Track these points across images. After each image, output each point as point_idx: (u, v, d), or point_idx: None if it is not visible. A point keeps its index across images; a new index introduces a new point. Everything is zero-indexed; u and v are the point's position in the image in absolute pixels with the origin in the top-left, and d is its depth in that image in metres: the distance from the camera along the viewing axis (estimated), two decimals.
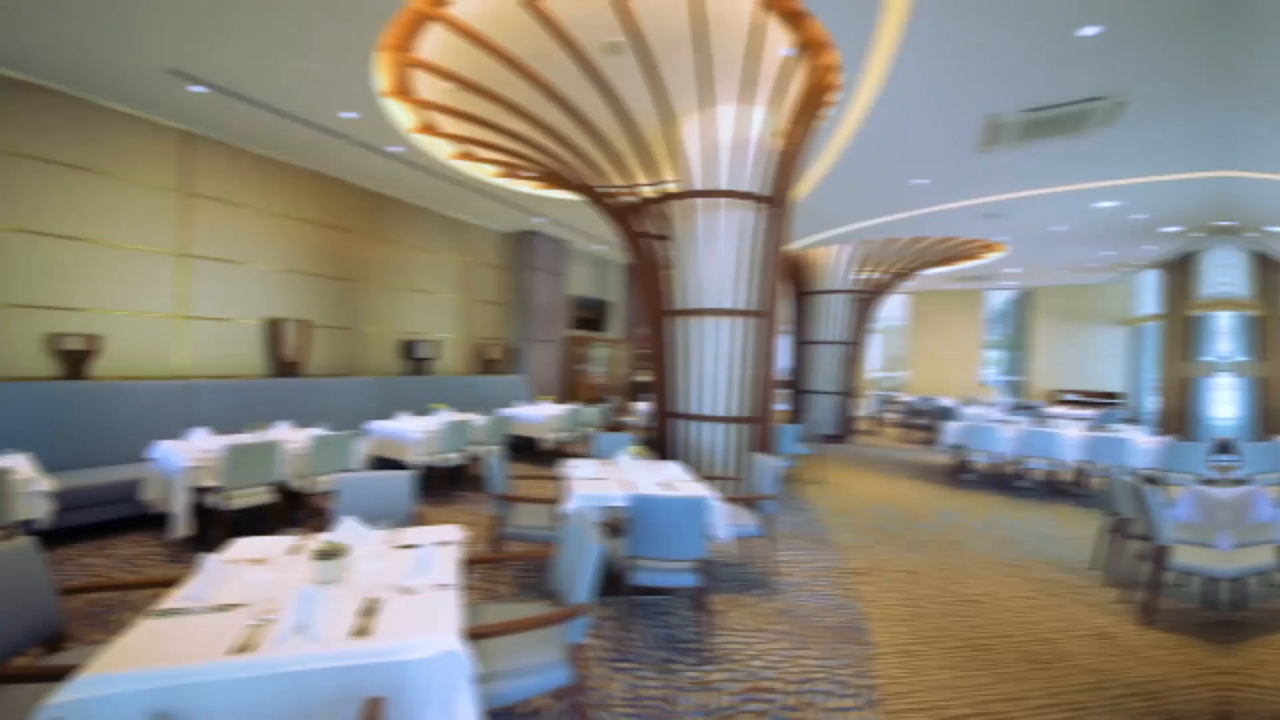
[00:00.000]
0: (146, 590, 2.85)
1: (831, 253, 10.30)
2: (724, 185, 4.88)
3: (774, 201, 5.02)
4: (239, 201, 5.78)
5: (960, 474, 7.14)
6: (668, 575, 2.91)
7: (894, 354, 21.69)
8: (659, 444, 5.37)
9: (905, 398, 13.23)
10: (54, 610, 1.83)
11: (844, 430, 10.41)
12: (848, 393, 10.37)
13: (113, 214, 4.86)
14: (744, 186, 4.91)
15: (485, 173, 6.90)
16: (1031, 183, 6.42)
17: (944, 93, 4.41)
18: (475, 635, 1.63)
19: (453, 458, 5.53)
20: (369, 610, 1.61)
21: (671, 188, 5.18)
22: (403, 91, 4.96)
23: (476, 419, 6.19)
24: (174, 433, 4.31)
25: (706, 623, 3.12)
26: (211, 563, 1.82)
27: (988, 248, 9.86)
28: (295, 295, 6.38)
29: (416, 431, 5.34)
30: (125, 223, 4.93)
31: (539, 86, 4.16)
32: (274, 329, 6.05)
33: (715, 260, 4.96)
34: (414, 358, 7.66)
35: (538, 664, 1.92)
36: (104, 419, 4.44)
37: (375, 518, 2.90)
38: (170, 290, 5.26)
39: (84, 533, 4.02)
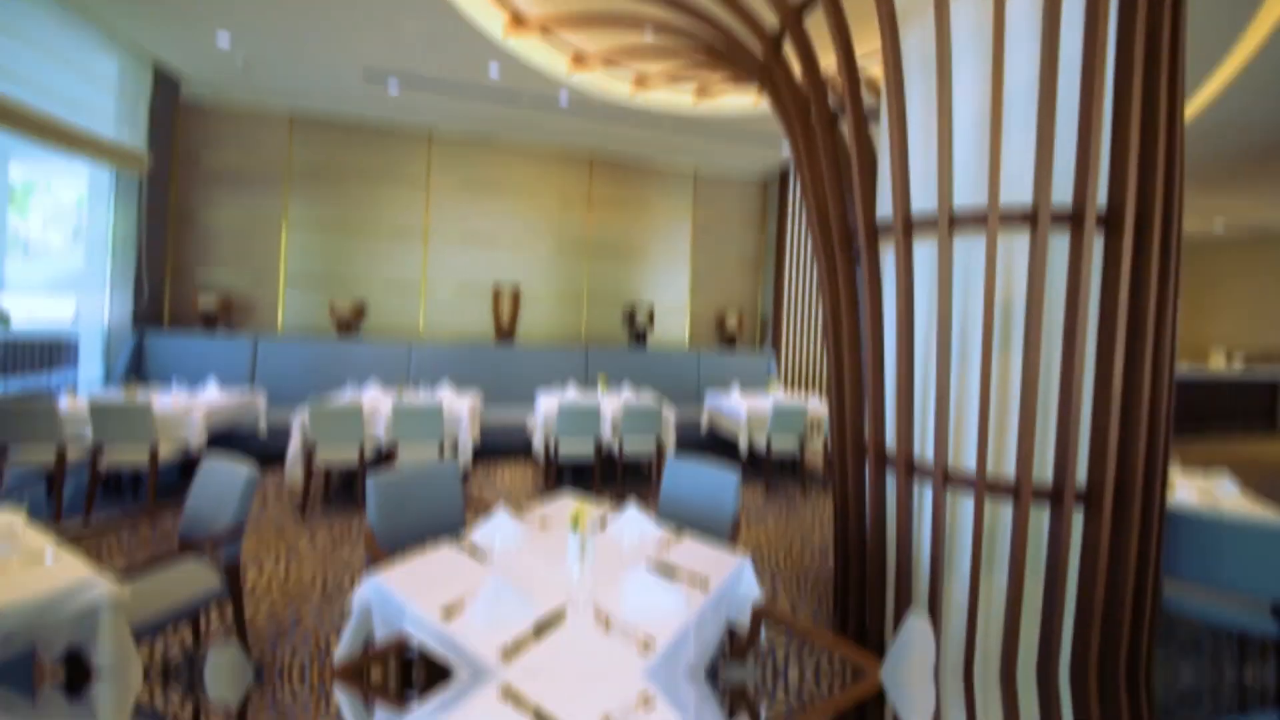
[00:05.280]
0: None
1: None
2: None
3: None
4: (473, 185, 6.57)
5: None
6: None
7: None
8: (843, 519, 2.60)
9: None
10: None
11: None
12: None
13: (376, 208, 6.28)
14: None
15: (681, 105, 5.62)
16: None
17: None
18: None
19: (577, 449, 4.79)
20: None
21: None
22: (518, 23, 4.36)
23: (611, 404, 5.12)
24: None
25: None
26: None
27: None
28: (524, 265, 6.85)
29: (538, 414, 4.82)
30: (385, 213, 6.27)
31: None
32: (495, 298, 6.58)
33: (973, 102, 2.04)
34: (633, 328, 7.15)
35: None
36: (339, 370, 5.65)
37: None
38: (417, 266, 6.41)
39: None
